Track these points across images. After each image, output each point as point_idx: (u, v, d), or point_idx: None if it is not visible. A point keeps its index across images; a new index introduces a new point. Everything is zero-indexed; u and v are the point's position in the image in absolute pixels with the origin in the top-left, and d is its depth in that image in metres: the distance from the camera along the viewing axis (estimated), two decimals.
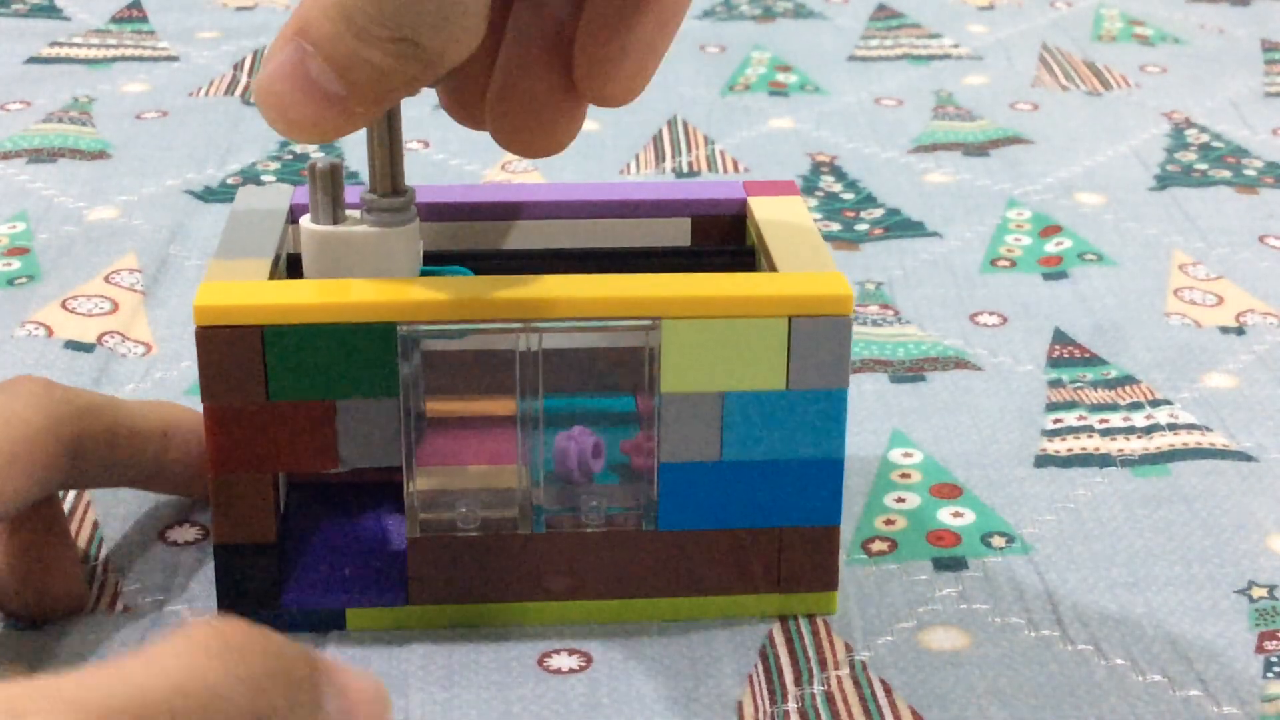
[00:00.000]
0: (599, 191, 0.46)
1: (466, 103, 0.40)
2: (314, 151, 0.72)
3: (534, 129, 0.39)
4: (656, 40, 0.38)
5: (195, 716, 0.29)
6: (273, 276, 0.41)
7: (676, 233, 0.46)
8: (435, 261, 0.43)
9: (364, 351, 0.39)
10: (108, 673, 0.30)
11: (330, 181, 0.40)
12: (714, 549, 0.42)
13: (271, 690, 0.31)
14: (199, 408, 0.51)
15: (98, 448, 0.41)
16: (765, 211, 0.44)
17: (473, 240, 0.45)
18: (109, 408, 0.42)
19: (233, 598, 0.41)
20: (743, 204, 0.46)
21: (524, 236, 0.45)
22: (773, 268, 0.41)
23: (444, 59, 0.35)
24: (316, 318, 0.39)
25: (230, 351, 0.39)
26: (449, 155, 0.72)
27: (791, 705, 0.39)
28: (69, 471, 0.41)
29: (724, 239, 0.46)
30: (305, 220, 0.41)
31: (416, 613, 0.42)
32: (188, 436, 0.43)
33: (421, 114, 0.74)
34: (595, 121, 0.75)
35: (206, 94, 0.79)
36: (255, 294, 0.39)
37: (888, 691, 0.40)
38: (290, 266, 0.44)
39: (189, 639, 0.31)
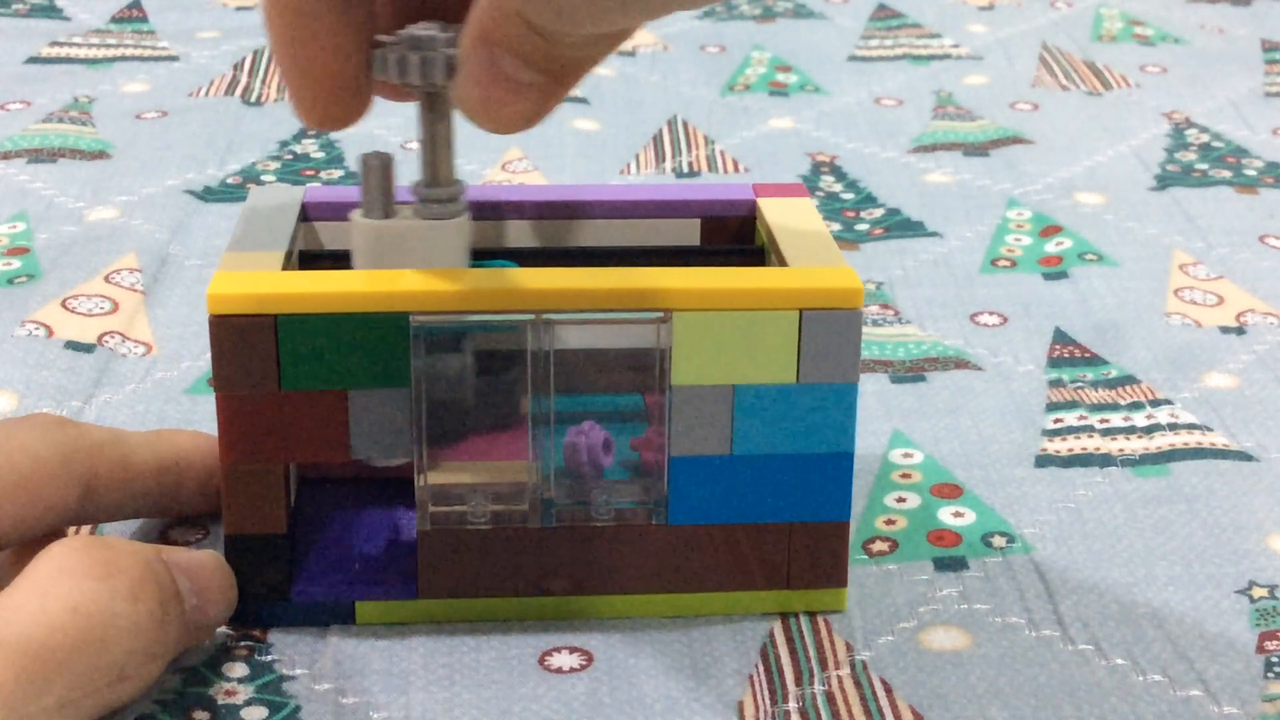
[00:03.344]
0: (608, 192, 0.46)
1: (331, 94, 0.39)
2: (315, 151, 0.72)
3: (507, 99, 0.37)
4: None
5: (94, 635, 0.35)
6: (285, 271, 0.41)
7: (686, 234, 0.46)
8: (480, 258, 0.43)
9: (376, 341, 0.39)
10: (2, 606, 0.35)
11: (382, 176, 0.40)
12: (724, 544, 0.42)
13: (147, 597, 0.37)
14: (199, 407, 0.52)
15: (110, 484, 0.42)
16: (775, 212, 0.44)
17: (480, 240, 0.45)
18: (120, 444, 0.42)
19: (242, 589, 0.41)
20: (752, 205, 0.46)
21: (533, 236, 0.45)
22: (783, 264, 0.42)
23: (630, 32, 0.35)
24: (329, 307, 0.39)
25: (243, 340, 0.39)
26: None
27: (792, 705, 0.39)
28: (80, 508, 0.41)
29: (733, 240, 0.46)
30: (356, 215, 0.41)
31: (426, 606, 0.42)
32: (200, 465, 0.44)
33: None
34: (595, 122, 0.75)
35: (206, 94, 0.79)
36: (269, 283, 0.39)
37: (888, 691, 0.40)
38: (302, 264, 0.44)
39: (63, 561, 0.37)
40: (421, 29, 0.38)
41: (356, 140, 0.73)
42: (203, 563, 0.40)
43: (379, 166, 0.41)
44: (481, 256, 0.43)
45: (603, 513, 0.41)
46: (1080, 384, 0.54)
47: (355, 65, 0.38)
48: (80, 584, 0.36)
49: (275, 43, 0.37)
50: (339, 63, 0.37)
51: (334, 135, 0.74)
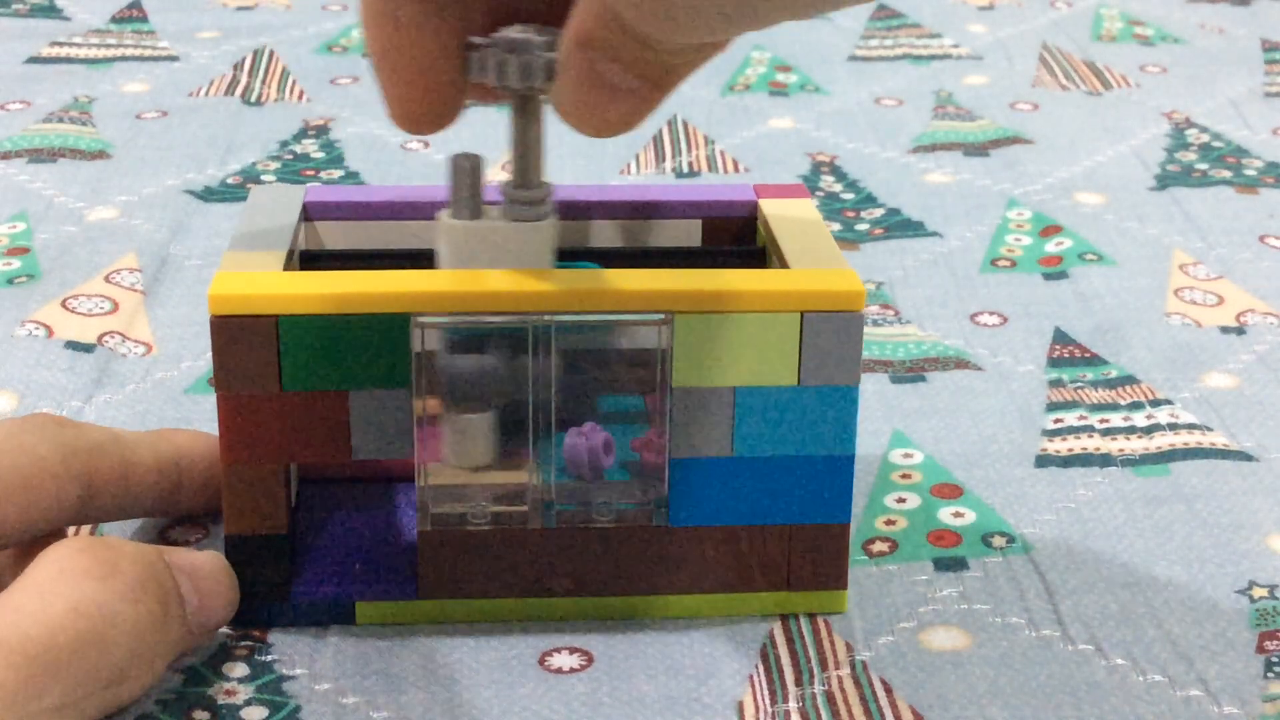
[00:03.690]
0: (609, 193, 0.46)
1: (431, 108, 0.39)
2: (315, 151, 0.72)
3: (606, 102, 0.38)
4: None
5: (95, 635, 0.35)
6: (286, 271, 0.41)
7: (687, 234, 0.46)
8: (564, 258, 0.43)
9: (377, 342, 0.39)
10: (2, 607, 0.35)
11: (471, 177, 0.40)
12: (724, 546, 0.42)
13: (146, 597, 0.37)
14: (199, 407, 0.52)
15: (110, 485, 0.42)
16: (776, 213, 0.45)
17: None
18: (120, 444, 0.42)
19: (242, 589, 0.41)
20: (753, 206, 0.46)
21: None
22: (784, 266, 0.42)
23: (729, 41, 0.35)
24: (330, 308, 0.39)
25: (244, 341, 0.39)
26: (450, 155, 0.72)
27: (792, 705, 0.39)
28: (80, 508, 0.41)
29: (735, 241, 0.46)
30: (444, 215, 0.41)
31: (426, 606, 0.42)
32: (200, 465, 0.44)
33: None
34: None
35: (206, 94, 0.79)
36: (270, 284, 0.39)
37: (888, 691, 0.40)
38: (303, 264, 0.44)
39: (64, 562, 0.36)
40: (516, 32, 0.38)
41: (359, 140, 0.73)
42: (204, 563, 0.40)
43: (469, 168, 0.41)
44: (563, 258, 0.43)
45: (603, 514, 0.41)
46: (1080, 384, 0.54)
47: (451, 69, 0.38)
48: (81, 584, 0.36)
49: (372, 48, 0.37)
50: (435, 67, 0.38)
51: (335, 136, 0.74)
